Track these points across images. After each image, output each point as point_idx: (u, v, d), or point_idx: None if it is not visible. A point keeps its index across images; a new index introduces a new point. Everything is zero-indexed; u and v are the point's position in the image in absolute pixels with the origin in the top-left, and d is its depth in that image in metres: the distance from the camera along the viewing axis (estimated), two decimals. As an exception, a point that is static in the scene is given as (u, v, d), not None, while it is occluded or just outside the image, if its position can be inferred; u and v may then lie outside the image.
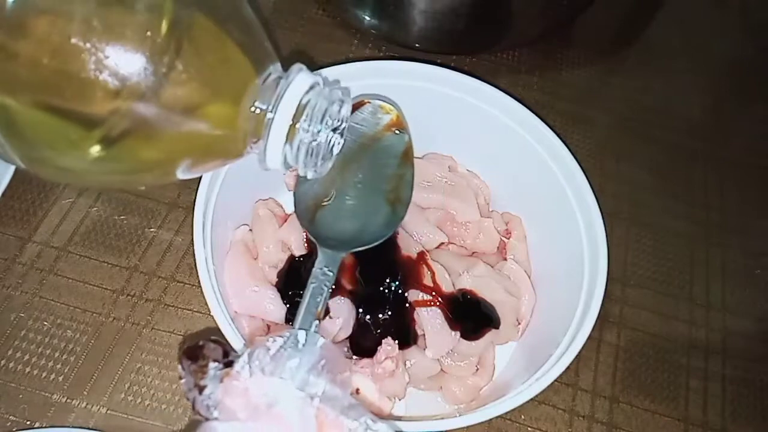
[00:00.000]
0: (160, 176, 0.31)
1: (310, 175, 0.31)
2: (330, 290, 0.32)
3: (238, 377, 0.25)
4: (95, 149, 0.25)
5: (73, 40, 0.23)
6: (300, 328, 0.29)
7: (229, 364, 0.25)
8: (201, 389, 0.25)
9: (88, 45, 0.23)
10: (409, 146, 0.37)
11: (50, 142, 0.26)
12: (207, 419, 0.24)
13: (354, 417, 0.24)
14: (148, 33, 0.24)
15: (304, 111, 0.29)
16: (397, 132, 0.37)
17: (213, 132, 0.28)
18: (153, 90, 0.25)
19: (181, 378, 0.25)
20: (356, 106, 0.36)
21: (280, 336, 0.26)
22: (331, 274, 0.32)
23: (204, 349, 0.25)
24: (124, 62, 0.24)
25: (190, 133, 0.27)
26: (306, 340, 0.26)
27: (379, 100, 0.37)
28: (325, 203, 0.35)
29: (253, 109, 0.28)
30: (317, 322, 0.30)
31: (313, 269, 0.32)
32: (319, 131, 0.29)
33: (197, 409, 0.25)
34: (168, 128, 0.26)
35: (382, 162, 0.36)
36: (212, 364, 0.25)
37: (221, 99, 0.28)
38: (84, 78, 0.24)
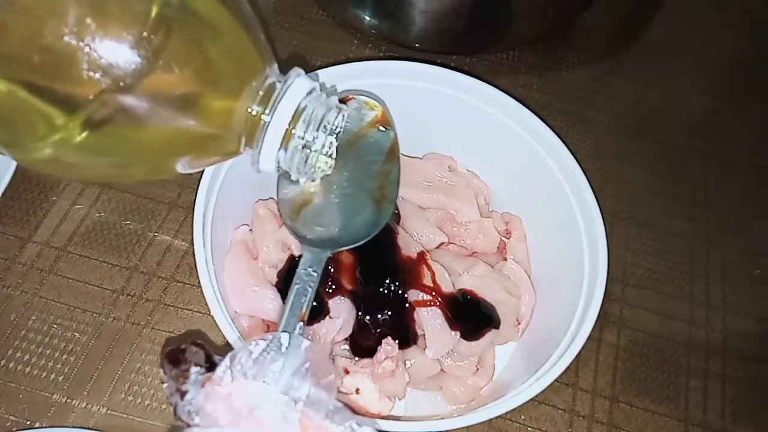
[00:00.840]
0: (149, 170, 0.30)
1: (302, 181, 0.31)
2: (315, 291, 0.31)
3: (220, 382, 0.24)
4: (76, 135, 0.25)
5: (58, 18, 0.23)
6: (283, 331, 0.28)
7: (211, 369, 0.25)
8: (182, 394, 0.24)
9: (72, 24, 0.23)
10: (395, 143, 0.36)
11: (30, 126, 0.25)
12: (188, 425, 0.24)
13: (339, 421, 0.24)
14: (136, 16, 0.24)
15: (300, 116, 0.28)
16: (382, 128, 0.36)
17: (205, 129, 0.27)
18: (137, 76, 0.24)
19: (163, 382, 0.25)
20: (340, 102, 0.36)
21: (263, 339, 0.25)
22: (315, 274, 0.31)
23: (186, 353, 0.25)
24: (107, 45, 0.23)
25: (179, 127, 0.26)
26: (290, 342, 0.26)
27: (364, 96, 0.36)
28: (309, 201, 0.35)
29: (249, 110, 0.28)
30: (301, 323, 0.29)
31: (298, 269, 0.32)
32: (315, 138, 0.29)
33: (179, 415, 0.24)
34: (154, 119, 0.25)
35: (367, 159, 0.35)
36: (194, 369, 0.24)
37: (216, 96, 0.27)
38: (65, 58, 0.23)
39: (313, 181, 0.33)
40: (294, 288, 0.31)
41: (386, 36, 0.51)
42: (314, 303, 0.35)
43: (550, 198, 0.37)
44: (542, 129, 0.37)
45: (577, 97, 0.53)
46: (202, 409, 0.24)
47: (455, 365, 0.35)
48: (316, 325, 0.34)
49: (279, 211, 0.35)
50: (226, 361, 0.24)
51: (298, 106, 0.28)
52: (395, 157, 0.36)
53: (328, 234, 0.34)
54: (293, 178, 0.31)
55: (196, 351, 0.25)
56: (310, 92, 0.29)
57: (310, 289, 0.31)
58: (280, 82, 0.29)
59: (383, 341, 0.34)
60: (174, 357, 0.25)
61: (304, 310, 0.30)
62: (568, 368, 0.30)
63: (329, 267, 0.35)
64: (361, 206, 0.35)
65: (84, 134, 0.25)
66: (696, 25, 0.60)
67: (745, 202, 0.49)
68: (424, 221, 0.38)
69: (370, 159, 0.36)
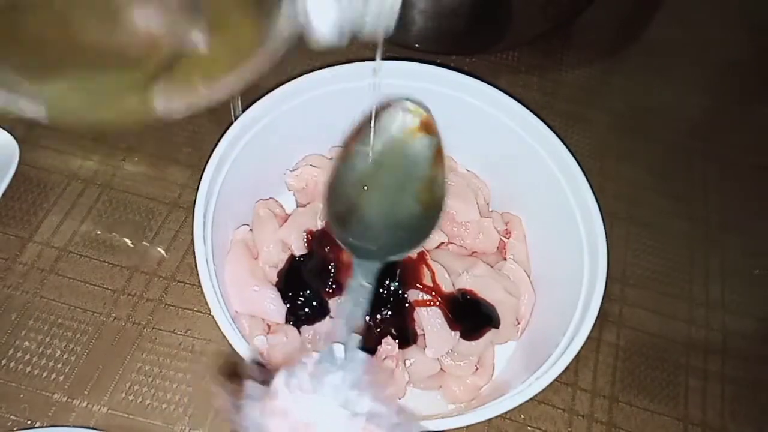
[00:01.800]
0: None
1: (368, 29, 0.27)
2: (368, 303, 0.30)
3: (278, 397, 0.24)
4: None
5: None
6: (339, 343, 0.27)
7: (267, 384, 0.24)
8: (239, 410, 0.24)
9: None
10: (440, 148, 0.35)
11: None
12: None
13: None
14: None
15: None
16: (426, 134, 0.35)
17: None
18: None
19: (217, 397, 0.25)
20: (383, 108, 0.35)
21: (318, 352, 0.25)
22: (369, 286, 0.30)
23: (241, 368, 0.25)
24: None
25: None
26: (347, 356, 0.25)
27: (408, 101, 0.35)
28: (356, 212, 0.34)
29: None
30: (360, 337, 0.28)
31: (349, 281, 0.31)
32: None
33: (235, 431, 0.24)
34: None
35: (413, 166, 0.35)
36: (250, 384, 0.24)
37: None
38: None
39: (387, 27, 0.28)
40: (348, 300, 0.30)
41: (386, 36, 0.51)
42: (314, 303, 0.35)
43: (550, 198, 0.37)
44: (542, 129, 0.37)
45: (577, 97, 0.53)
46: (260, 424, 0.24)
47: (455, 365, 0.35)
48: (316, 325, 0.34)
49: (327, 223, 0.34)
50: (283, 375, 0.24)
51: None
52: (441, 163, 0.35)
53: (378, 245, 0.33)
54: (359, 30, 0.27)
55: (251, 366, 0.25)
56: None
57: (364, 302, 0.30)
58: None
59: (383, 341, 0.34)
60: (230, 372, 0.25)
61: (359, 322, 0.29)
62: (567, 368, 0.31)
63: (330, 267, 0.35)
64: (409, 214, 0.34)
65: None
66: (696, 25, 0.60)
67: (745, 202, 0.49)
68: (424, 221, 0.38)
69: (416, 165, 0.35)
